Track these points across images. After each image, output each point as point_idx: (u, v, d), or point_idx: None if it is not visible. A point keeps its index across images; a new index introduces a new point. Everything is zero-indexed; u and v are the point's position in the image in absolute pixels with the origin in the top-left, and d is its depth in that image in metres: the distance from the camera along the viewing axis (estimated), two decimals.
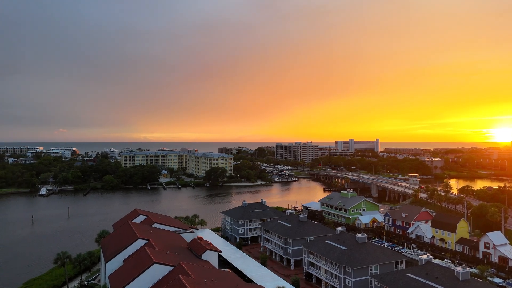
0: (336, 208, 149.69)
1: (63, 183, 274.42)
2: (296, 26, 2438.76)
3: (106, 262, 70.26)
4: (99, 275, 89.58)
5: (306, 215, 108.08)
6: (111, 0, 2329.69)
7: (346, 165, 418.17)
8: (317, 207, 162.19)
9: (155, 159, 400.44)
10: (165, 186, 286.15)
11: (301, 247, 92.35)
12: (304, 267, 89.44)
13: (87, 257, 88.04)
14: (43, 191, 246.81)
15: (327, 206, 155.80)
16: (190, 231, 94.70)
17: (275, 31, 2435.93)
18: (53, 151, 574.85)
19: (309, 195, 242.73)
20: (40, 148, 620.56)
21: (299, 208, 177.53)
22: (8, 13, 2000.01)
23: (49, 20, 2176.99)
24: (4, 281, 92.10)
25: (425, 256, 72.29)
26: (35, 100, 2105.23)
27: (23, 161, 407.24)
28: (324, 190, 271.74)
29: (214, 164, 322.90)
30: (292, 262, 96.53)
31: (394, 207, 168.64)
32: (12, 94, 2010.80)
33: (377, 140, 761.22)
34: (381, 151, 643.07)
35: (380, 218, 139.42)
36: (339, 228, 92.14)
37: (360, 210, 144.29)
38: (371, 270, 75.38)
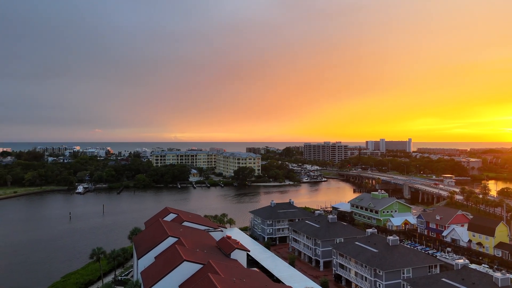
0: (366, 209, 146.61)
1: (98, 182, 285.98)
2: (325, 24, 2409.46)
3: (138, 259, 72.39)
4: (132, 271, 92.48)
5: (336, 216, 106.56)
6: (141, 4, 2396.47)
7: (376, 166, 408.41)
8: (346, 208, 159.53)
9: (185, 159, 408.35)
10: (194, 185, 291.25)
11: (330, 248, 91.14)
12: (333, 268, 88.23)
13: (120, 253, 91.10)
14: (80, 189, 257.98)
15: (357, 207, 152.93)
16: (219, 230, 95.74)
17: (304, 30, 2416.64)
18: (89, 150, 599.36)
19: (338, 195, 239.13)
20: (77, 148, 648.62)
21: (328, 209, 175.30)
22: (45, 20, 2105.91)
23: (83, 25, 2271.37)
24: (44, 274, 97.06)
25: (461, 261, 69.27)
26: (73, 102, 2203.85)
27: (62, 160, 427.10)
28: (354, 191, 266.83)
29: (242, 163, 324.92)
30: (321, 263, 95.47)
31: (427, 209, 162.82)
32: (51, 96, 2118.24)
33: (410, 140, 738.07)
34: (413, 151, 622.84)
35: (412, 220, 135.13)
36: (369, 230, 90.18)
37: (392, 211, 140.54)
38: (403, 273, 73.23)
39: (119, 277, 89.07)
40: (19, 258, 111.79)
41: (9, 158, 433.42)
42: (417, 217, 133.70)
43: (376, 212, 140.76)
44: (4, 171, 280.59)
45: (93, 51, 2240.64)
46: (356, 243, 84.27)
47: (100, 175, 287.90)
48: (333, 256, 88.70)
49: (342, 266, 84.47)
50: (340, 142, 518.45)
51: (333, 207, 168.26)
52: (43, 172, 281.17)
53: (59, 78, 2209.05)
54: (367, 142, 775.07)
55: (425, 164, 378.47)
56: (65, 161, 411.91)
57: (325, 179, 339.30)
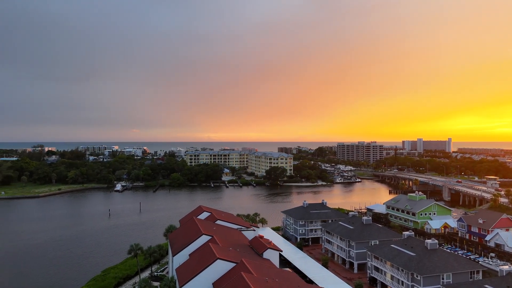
0: (403, 211, 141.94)
1: (135, 180, 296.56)
2: (358, 21, 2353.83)
3: (173, 256, 74.30)
4: (167, 267, 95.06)
5: (370, 218, 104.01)
6: (176, 8, 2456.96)
7: (414, 166, 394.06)
8: (382, 209, 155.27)
9: (218, 158, 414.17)
10: (227, 184, 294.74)
11: (365, 250, 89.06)
12: (368, 271, 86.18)
13: (156, 249, 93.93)
14: (118, 187, 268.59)
15: (393, 209, 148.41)
16: (251, 229, 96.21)
17: (336, 28, 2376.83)
18: (127, 150, 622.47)
19: (373, 197, 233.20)
20: (116, 147, 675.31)
21: (362, 210, 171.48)
22: (86, 26, 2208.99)
23: (121, 29, 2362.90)
24: (86, 268, 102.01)
25: (506, 267, 65.43)
26: (112, 103, 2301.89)
27: (101, 159, 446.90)
28: (390, 192, 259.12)
29: (274, 163, 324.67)
30: (355, 266, 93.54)
31: (469, 212, 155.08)
32: (92, 98, 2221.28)
33: (449, 139, 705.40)
34: (453, 152, 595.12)
35: (452, 223, 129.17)
36: (406, 233, 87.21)
37: (430, 214, 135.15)
38: (442, 278, 70.21)
39: (155, 273, 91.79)
40: (63, 251, 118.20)
41: (53, 157, 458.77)
42: (457, 220, 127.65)
43: (413, 214, 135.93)
44: (49, 169, 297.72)
45: (130, 54, 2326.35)
46: (392, 245, 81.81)
47: (137, 174, 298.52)
48: (367, 259, 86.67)
49: (377, 269, 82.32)
50: (375, 142, 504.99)
51: (367, 209, 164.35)
52: (85, 171, 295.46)
53: (99, 81, 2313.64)
54: (403, 141, 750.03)
55: (466, 165, 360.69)
56: (105, 160, 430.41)
57: (359, 180, 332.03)
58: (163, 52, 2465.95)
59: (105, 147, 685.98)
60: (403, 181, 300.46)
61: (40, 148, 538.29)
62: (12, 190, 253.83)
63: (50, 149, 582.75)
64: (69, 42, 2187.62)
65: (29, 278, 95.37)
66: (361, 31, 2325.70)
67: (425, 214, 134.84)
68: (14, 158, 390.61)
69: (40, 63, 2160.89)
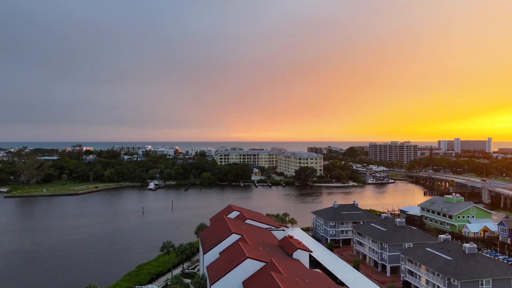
0: (439, 213, 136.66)
1: (168, 179, 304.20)
2: (391, 18, 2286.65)
3: (204, 253, 75.53)
4: (198, 265, 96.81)
5: (404, 220, 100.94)
6: (204, 7, 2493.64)
7: (450, 167, 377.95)
8: (416, 211, 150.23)
9: (247, 158, 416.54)
10: (256, 184, 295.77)
11: (398, 253, 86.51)
12: (402, 275, 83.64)
13: (188, 247, 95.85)
14: (151, 185, 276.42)
15: (428, 211, 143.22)
16: (281, 229, 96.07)
17: (368, 25, 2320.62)
18: (159, 149, 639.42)
19: (407, 198, 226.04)
20: (149, 147, 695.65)
21: (395, 212, 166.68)
22: (115, 27, 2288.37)
23: (152, 31, 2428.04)
24: (122, 263, 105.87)
25: None
26: (145, 104, 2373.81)
27: (135, 159, 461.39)
28: (425, 194, 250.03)
29: (304, 163, 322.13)
30: (388, 269, 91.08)
31: (511, 215, 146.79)
32: (126, 99, 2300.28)
33: (490, 139, 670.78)
34: (494, 152, 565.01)
35: (493, 227, 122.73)
36: (442, 236, 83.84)
37: (468, 217, 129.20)
38: (481, 284, 66.90)
39: (187, 270, 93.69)
40: (101, 247, 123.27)
41: (91, 157, 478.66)
42: (498, 224, 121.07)
43: (450, 217, 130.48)
44: (87, 168, 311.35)
45: (162, 56, 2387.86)
46: (427, 249, 78.94)
47: (169, 173, 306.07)
48: (401, 262, 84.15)
49: (411, 272, 79.73)
50: (409, 142, 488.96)
51: (401, 210, 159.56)
52: (120, 170, 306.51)
53: (133, 82, 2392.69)
54: (439, 141, 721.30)
55: (508, 165, 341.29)
56: (139, 159, 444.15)
57: (392, 181, 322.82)
58: (194, 53, 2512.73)
59: (139, 147, 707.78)
60: (439, 182, 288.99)
61: (78, 148, 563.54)
62: (53, 187, 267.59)
63: (88, 148, 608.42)
64: (105, 45, 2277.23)
65: (71, 270, 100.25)
66: (394, 28, 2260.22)
67: (463, 217, 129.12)
68: (55, 157, 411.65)
69: (78, 67, 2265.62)
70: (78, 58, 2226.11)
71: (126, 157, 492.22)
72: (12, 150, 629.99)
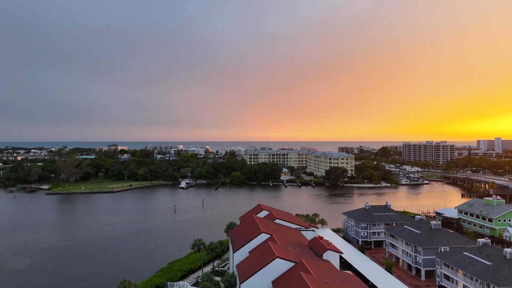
0: (477, 216, 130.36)
1: (199, 178, 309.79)
2: (420, 14, 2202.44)
3: (234, 252, 76.31)
4: (228, 263, 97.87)
5: (440, 222, 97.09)
6: (233, 8, 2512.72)
7: (490, 168, 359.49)
8: (453, 214, 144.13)
9: (277, 158, 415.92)
10: (286, 184, 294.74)
11: (434, 257, 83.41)
12: (437, 279, 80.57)
13: (218, 245, 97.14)
14: (183, 184, 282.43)
15: (465, 213, 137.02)
16: (311, 229, 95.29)
17: (396, 22, 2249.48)
18: (191, 149, 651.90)
19: (443, 200, 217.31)
20: (181, 147, 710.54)
21: (430, 214, 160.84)
22: (149, 30, 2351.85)
23: (184, 33, 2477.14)
24: (155, 260, 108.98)
25: None
26: (179, 104, 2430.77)
27: (168, 158, 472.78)
28: (462, 196, 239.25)
29: (334, 163, 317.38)
30: (422, 273, 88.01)
31: None
32: (159, 100, 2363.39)
33: None
34: None
35: None
36: (481, 240, 79.93)
37: (510, 220, 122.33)
38: None
39: (217, 268, 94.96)
40: (136, 243, 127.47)
41: (126, 156, 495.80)
42: None
43: (490, 220, 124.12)
44: (122, 167, 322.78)
45: (193, 57, 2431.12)
46: (465, 253, 75.55)
47: (200, 172, 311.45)
48: (436, 266, 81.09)
49: (447, 277, 76.64)
50: (445, 142, 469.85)
51: (436, 213, 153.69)
52: (153, 168, 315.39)
53: (166, 83, 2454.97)
54: (478, 141, 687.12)
55: None
56: (171, 158, 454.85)
57: (427, 182, 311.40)
58: (225, 54, 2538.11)
59: (171, 146, 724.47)
60: (477, 184, 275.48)
61: (114, 147, 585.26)
62: (90, 185, 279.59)
63: (122, 148, 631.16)
64: (139, 47, 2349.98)
65: (108, 265, 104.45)
66: (423, 25, 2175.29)
67: (504, 221, 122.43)
68: (92, 156, 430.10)
69: (114, 69, 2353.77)
70: (114, 61, 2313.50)
71: (159, 156, 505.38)
72: (53, 149, 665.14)
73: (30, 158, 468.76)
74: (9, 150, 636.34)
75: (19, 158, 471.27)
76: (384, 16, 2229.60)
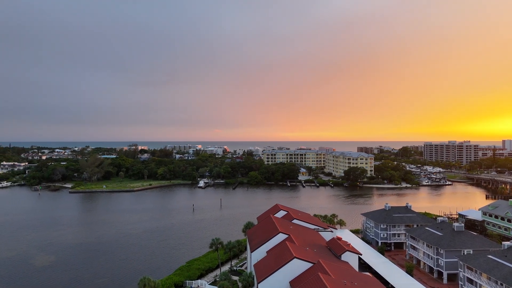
0: (503, 219, 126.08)
1: (217, 177, 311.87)
2: (447, 9, 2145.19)
3: (251, 252, 76.41)
4: (245, 262, 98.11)
5: (463, 224, 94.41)
6: (250, 9, 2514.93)
7: None
8: (476, 216, 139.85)
9: (294, 158, 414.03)
10: (303, 184, 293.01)
11: (456, 259, 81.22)
12: (460, 283, 78.35)
13: (235, 245, 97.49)
14: (201, 183, 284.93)
15: (490, 215, 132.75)
16: (329, 230, 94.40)
17: (419, 19, 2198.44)
18: (209, 149, 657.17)
19: (466, 201, 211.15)
20: (199, 146, 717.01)
21: (453, 216, 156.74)
22: (167, 32, 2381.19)
23: (201, 35, 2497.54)
24: (174, 259, 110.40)
25: None
26: (197, 105, 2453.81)
27: (186, 157, 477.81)
28: (487, 197, 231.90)
29: (353, 163, 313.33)
30: (445, 276, 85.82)
31: None
32: (179, 100, 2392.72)
33: None
34: None
35: None
36: (506, 243, 77.21)
37: None
38: None
39: (235, 268, 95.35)
40: (156, 242, 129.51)
41: (145, 155, 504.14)
42: None
43: None
44: (142, 166, 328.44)
45: (212, 58, 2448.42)
46: (489, 256, 73.22)
47: (218, 171, 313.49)
48: (459, 269, 78.89)
49: (470, 281, 74.45)
50: (469, 142, 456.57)
51: (459, 214, 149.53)
52: (172, 168, 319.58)
53: (185, 84, 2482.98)
54: (503, 141, 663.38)
55: None
56: (189, 158, 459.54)
57: (449, 183, 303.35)
58: (241, 54, 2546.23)
59: (189, 146, 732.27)
60: (503, 185, 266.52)
61: (134, 147, 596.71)
62: (111, 184, 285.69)
63: (142, 147, 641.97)
64: (158, 49, 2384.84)
65: (128, 263, 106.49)
66: (442, 22, 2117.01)
67: None
68: (113, 156, 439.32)
69: (134, 70, 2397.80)
70: (134, 62, 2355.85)
71: (177, 156, 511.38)
72: (76, 149, 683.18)
73: (54, 157, 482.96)
74: (35, 150, 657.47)
75: (44, 157, 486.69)
76: (401, 14, 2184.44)
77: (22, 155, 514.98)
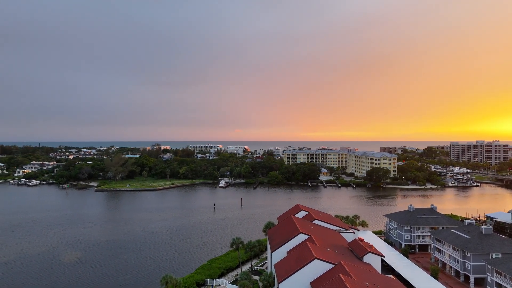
0: None
1: (237, 177, 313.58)
2: (476, 6, 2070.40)
3: (272, 252, 76.46)
4: (266, 262, 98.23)
5: (491, 227, 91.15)
6: (272, 8, 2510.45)
7: None
8: (506, 218, 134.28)
9: (315, 158, 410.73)
10: (325, 184, 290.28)
11: (484, 263, 78.50)
12: (488, 287, 75.69)
13: (256, 244, 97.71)
14: (222, 183, 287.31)
15: None
16: (351, 231, 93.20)
17: (443, 16, 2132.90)
18: (230, 148, 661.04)
19: (495, 203, 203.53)
20: (220, 146, 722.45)
21: (481, 218, 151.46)
22: (187, 32, 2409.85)
23: (221, 35, 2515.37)
24: (196, 257, 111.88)
25: None
26: (219, 105, 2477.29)
27: (208, 157, 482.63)
28: None
29: (376, 164, 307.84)
30: (472, 280, 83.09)
31: None
32: (200, 101, 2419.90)
33: None
34: None
35: None
36: None
37: None
38: None
39: (255, 267, 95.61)
40: (179, 240, 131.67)
41: (168, 155, 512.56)
42: None
43: None
44: (164, 166, 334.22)
45: (232, 58, 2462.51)
46: None
47: (239, 171, 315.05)
48: (487, 273, 76.22)
49: (499, 285, 71.79)
50: (498, 141, 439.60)
51: (487, 217, 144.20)
52: (194, 168, 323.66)
53: (205, 85, 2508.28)
54: None
55: None
56: (210, 158, 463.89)
57: (477, 184, 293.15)
58: (262, 54, 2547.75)
59: (211, 146, 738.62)
60: None
61: (157, 147, 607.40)
62: (135, 183, 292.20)
63: (165, 147, 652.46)
64: (180, 49, 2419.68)
65: (152, 260, 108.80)
66: (469, 18, 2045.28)
67: None
68: (137, 156, 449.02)
69: (155, 71, 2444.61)
70: (155, 63, 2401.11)
71: (199, 155, 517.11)
72: (102, 149, 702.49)
73: (81, 157, 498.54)
74: (62, 150, 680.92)
75: (71, 157, 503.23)
76: (425, 11, 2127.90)
77: (50, 155, 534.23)
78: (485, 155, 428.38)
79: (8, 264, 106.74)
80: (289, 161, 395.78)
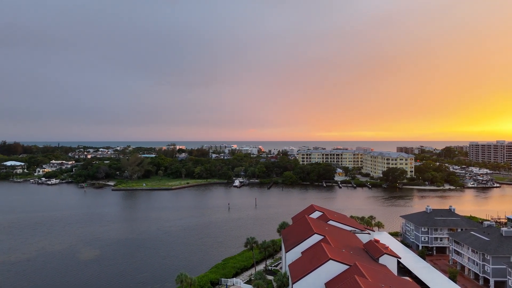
0: None
1: (251, 177, 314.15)
2: (497, 6, 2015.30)
3: (286, 252, 76.41)
4: (280, 262, 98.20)
5: None
6: (286, 7, 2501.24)
7: None
8: None
9: (330, 158, 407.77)
10: (340, 185, 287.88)
11: (505, 266, 76.52)
12: None
13: (270, 244, 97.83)
14: (236, 182, 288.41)
15: None
16: (366, 232, 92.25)
17: (464, 14, 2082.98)
18: (244, 148, 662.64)
19: None
20: (234, 146, 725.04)
21: (501, 220, 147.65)
22: (203, 33, 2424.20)
23: (234, 35, 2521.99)
24: (211, 256, 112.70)
25: None
26: (233, 105, 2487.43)
27: (222, 157, 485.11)
28: None
29: (392, 164, 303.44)
30: (491, 283, 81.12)
31: None
32: (213, 101, 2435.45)
33: None
34: None
35: None
36: None
37: None
38: None
39: (269, 267, 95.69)
40: (194, 239, 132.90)
41: (183, 155, 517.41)
42: None
43: None
44: (179, 165, 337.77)
45: (247, 58, 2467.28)
46: None
47: (253, 171, 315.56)
48: (508, 277, 74.32)
49: None
50: None
51: (508, 219, 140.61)
52: (208, 167, 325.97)
53: (221, 85, 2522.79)
54: None
55: None
56: (225, 157, 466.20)
57: (497, 185, 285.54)
58: (276, 54, 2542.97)
59: (225, 146, 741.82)
60: None
61: (172, 147, 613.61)
62: (151, 182, 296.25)
63: (180, 147, 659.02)
64: (194, 50, 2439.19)
65: (167, 259, 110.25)
66: (487, 17, 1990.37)
67: None
68: (153, 155, 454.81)
69: (170, 71, 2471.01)
70: (170, 63, 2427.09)
71: (214, 155, 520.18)
72: (118, 148, 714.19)
73: (98, 156, 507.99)
74: (81, 149, 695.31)
75: (89, 156, 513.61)
76: (447, 9, 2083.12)
77: (69, 154, 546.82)
78: (506, 156, 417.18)
79: (30, 261, 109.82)
80: (304, 161, 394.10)
